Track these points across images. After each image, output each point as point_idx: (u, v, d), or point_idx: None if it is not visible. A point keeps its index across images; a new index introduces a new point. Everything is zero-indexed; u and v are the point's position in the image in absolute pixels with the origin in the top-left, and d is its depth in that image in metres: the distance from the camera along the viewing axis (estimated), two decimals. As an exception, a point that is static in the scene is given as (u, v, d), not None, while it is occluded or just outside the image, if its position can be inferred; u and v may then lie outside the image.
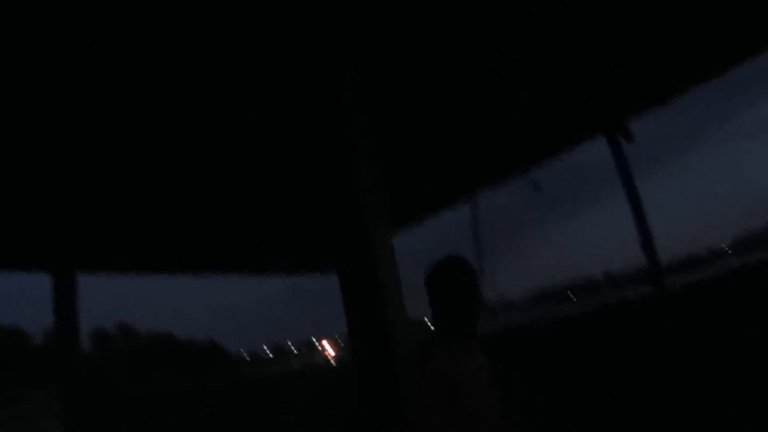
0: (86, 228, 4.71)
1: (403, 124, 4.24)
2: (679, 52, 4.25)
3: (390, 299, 2.14)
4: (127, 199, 4.43)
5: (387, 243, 2.39)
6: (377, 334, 2.10)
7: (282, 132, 3.95)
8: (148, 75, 3.01)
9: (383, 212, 2.49)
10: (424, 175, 5.48)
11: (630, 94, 4.89)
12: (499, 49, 3.59)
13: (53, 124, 3.29)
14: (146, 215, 4.85)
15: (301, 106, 3.31)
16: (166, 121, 3.53)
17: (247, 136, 3.93)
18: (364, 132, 2.67)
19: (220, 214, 5.31)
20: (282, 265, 8.62)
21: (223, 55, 3.00)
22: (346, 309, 2.31)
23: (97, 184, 4.04)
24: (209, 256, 7.02)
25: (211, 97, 3.33)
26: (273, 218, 5.82)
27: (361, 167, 2.51)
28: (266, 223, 5.97)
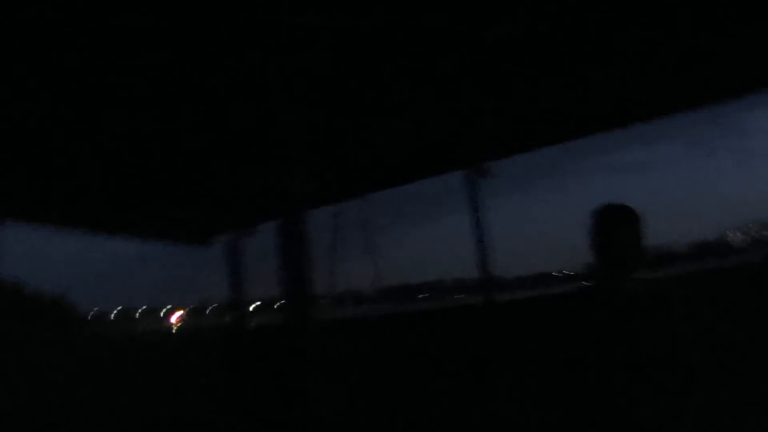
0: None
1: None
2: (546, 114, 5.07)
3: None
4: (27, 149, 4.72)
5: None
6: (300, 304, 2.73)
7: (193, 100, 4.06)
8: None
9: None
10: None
11: (491, 144, 5.93)
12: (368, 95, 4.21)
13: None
14: (38, 164, 5.12)
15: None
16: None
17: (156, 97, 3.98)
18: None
19: (118, 172, 5.57)
20: (162, 231, 8.86)
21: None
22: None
23: None
24: (96, 214, 7.25)
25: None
26: (171, 184, 6.18)
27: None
28: (164, 188, 6.32)
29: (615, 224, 1.99)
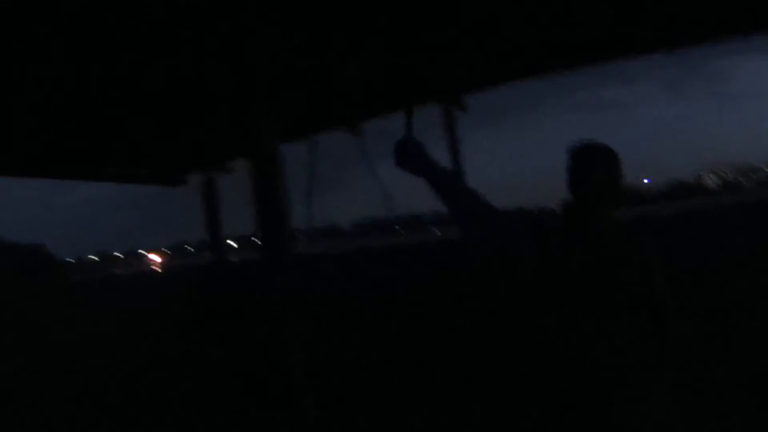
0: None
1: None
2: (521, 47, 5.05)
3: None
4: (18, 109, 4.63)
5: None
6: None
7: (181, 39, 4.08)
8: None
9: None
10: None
11: (469, 75, 5.88)
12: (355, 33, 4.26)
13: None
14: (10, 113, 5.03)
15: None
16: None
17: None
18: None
19: (93, 115, 5.48)
20: (136, 172, 8.75)
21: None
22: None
23: None
24: (61, 158, 7.12)
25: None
26: (142, 126, 6.06)
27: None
28: (137, 127, 6.20)
29: (592, 162, 2.02)
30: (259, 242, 3.19)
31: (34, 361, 6.26)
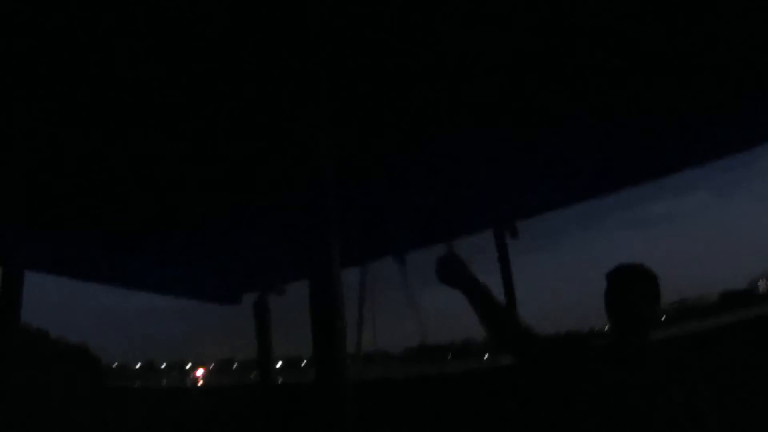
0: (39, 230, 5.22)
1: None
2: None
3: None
4: (78, 211, 4.93)
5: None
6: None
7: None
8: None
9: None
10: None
11: (521, 202, 5.98)
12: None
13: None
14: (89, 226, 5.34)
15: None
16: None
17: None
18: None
19: (150, 229, 5.77)
20: (191, 289, 8.98)
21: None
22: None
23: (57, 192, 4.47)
24: (135, 272, 7.40)
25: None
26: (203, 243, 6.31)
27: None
28: (194, 248, 6.45)
29: (627, 284, 2.01)
30: (310, 365, 3.18)
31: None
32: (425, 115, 3.80)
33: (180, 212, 5.18)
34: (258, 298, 8.46)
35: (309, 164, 3.20)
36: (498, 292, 6.06)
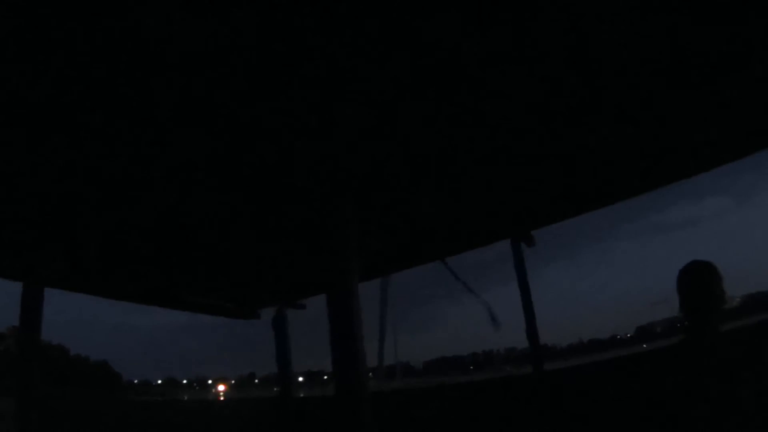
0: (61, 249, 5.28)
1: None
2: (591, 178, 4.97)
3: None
4: (104, 232, 4.99)
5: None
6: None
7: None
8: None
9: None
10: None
11: (537, 210, 5.90)
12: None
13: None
14: (117, 246, 5.39)
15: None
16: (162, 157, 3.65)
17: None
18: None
19: (184, 250, 5.80)
20: (209, 304, 9.01)
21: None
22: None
23: (80, 217, 4.49)
24: (161, 290, 7.45)
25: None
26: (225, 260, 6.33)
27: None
28: (213, 263, 6.47)
29: (705, 278, 2.10)
30: (331, 378, 3.18)
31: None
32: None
33: (200, 230, 5.23)
34: (277, 312, 8.50)
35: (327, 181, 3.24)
36: (515, 300, 6.05)
